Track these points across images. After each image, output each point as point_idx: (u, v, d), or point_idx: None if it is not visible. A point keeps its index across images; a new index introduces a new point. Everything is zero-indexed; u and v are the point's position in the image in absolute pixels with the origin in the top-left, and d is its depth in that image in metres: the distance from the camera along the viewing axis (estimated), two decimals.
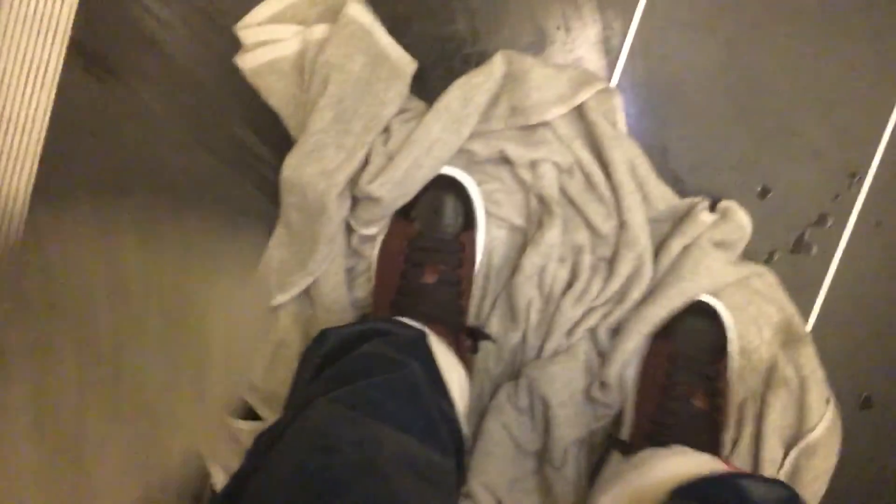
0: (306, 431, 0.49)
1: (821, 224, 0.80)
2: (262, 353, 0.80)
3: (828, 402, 0.78)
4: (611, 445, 0.80)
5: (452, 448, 0.58)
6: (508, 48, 0.76)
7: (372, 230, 0.78)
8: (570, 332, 0.80)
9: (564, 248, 0.79)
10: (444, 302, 0.73)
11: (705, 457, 0.68)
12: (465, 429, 0.72)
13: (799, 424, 0.79)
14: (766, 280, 0.80)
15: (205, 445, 0.79)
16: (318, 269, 0.76)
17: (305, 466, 0.46)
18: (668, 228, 0.79)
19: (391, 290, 0.75)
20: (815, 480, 0.78)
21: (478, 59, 0.77)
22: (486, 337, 0.78)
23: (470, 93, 0.72)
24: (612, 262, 0.78)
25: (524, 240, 0.80)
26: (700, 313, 0.78)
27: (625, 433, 0.79)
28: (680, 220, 0.78)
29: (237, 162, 0.80)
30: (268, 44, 0.75)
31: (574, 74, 0.76)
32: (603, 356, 0.80)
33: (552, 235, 0.77)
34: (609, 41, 0.78)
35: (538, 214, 0.79)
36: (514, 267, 0.79)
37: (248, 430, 0.78)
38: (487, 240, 0.80)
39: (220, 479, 0.79)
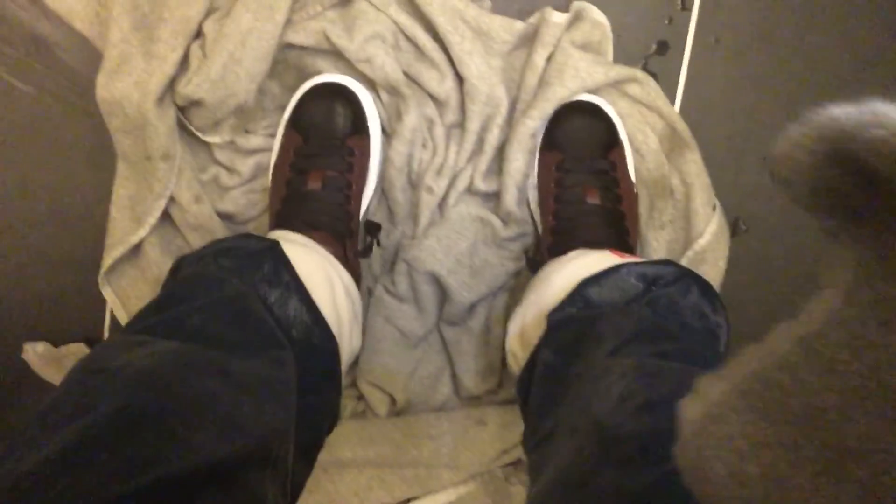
0: (81, 362, 0.47)
1: (661, 52, 0.80)
2: (142, 294, 0.79)
3: (714, 208, 0.78)
4: (527, 266, 0.79)
5: (298, 353, 0.56)
6: None
7: (217, 138, 0.77)
8: (440, 206, 0.80)
9: (419, 126, 0.78)
10: (328, 207, 0.72)
11: (598, 255, 0.67)
12: (357, 339, 0.72)
13: (686, 234, 0.79)
14: (644, 87, 0.77)
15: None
16: (165, 187, 0.74)
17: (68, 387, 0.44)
18: (526, 53, 0.77)
19: (278, 202, 0.73)
20: None
21: None
22: (378, 227, 0.78)
23: None
24: (462, 123, 0.78)
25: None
26: (581, 113, 0.75)
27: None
28: (534, 35, 0.76)
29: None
30: None
31: None
32: (493, 197, 0.80)
33: (410, 119, 0.76)
34: None
35: (394, 106, 0.78)
36: (384, 162, 0.78)
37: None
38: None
39: None
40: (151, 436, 0.39)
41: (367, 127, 0.76)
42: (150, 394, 0.42)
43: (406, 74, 0.76)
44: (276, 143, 0.76)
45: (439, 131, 0.78)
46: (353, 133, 0.75)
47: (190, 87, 0.70)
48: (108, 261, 0.74)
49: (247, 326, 0.54)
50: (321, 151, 0.73)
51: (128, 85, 0.69)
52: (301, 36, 0.74)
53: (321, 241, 0.70)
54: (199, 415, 0.42)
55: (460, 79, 0.76)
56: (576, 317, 0.60)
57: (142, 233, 0.74)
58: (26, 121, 0.78)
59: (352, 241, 0.74)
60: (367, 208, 0.78)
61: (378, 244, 0.79)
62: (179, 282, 0.59)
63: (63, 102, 0.78)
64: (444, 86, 0.76)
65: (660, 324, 0.55)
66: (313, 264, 0.65)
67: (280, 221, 0.72)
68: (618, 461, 0.42)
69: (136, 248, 0.76)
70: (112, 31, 0.69)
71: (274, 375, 0.51)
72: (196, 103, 0.71)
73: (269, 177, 0.77)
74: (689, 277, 0.61)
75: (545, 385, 0.58)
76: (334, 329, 0.62)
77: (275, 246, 0.62)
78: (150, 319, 0.52)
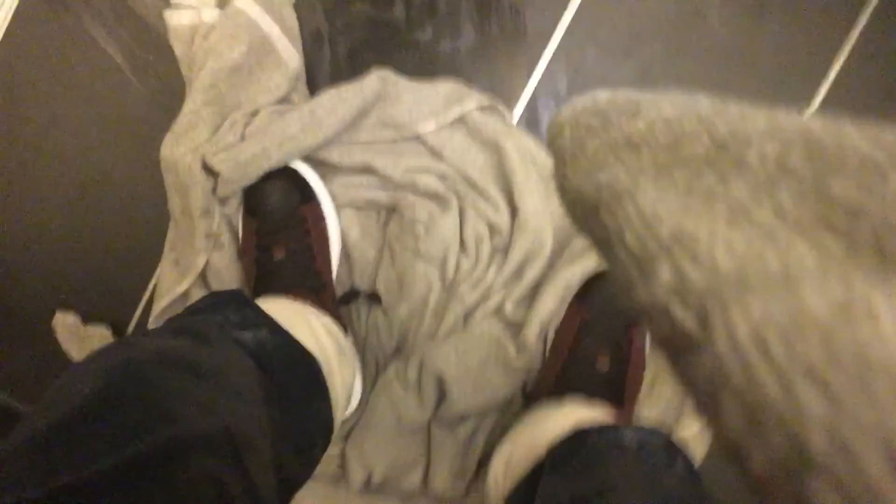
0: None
1: None
2: None
3: None
4: (522, 397, 0.83)
5: (276, 367, 0.60)
6: (441, 40, 0.78)
7: (227, 209, 0.82)
8: (467, 316, 0.83)
9: (467, 237, 0.81)
10: (296, 271, 0.77)
11: (595, 409, 0.70)
12: (351, 375, 0.76)
13: (675, 418, 0.81)
14: None
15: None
16: (205, 244, 0.79)
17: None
18: None
19: (252, 282, 0.78)
20: None
21: (410, 48, 0.78)
22: (378, 298, 0.82)
23: (337, 105, 0.73)
24: (507, 250, 0.80)
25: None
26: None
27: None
28: None
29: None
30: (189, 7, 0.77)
31: (450, 91, 0.75)
32: (516, 326, 0.82)
33: (447, 222, 0.80)
34: (532, 47, 0.82)
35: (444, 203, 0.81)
36: (412, 250, 0.81)
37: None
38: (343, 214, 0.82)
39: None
40: (132, 410, 0.43)
41: (313, 193, 0.79)
42: (127, 378, 0.46)
43: (457, 195, 0.80)
44: (240, 235, 0.81)
45: (485, 248, 0.80)
46: (303, 202, 0.78)
47: (216, 158, 0.74)
48: (156, 309, 0.82)
49: (208, 342, 0.57)
50: (276, 227, 0.77)
51: (187, 150, 0.74)
52: (341, 155, 0.78)
53: (297, 298, 0.74)
54: (175, 397, 0.46)
55: (514, 210, 0.78)
56: (577, 456, 0.62)
57: (185, 284, 0.81)
58: (130, 116, 0.83)
59: (325, 293, 0.78)
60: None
61: (384, 314, 0.82)
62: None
63: (166, 110, 0.83)
64: (499, 217, 0.78)
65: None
66: (289, 310, 0.69)
67: (257, 294, 0.76)
68: None
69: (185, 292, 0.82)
70: (188, 100, 0.73)
71: (239, 373, 0.55)
72: (214, 173, 0.76)
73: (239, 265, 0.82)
74: (674, 448, 0.62)
75: None
76: (320, 359, 0.66)
77: (237, 294, 0.67)
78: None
